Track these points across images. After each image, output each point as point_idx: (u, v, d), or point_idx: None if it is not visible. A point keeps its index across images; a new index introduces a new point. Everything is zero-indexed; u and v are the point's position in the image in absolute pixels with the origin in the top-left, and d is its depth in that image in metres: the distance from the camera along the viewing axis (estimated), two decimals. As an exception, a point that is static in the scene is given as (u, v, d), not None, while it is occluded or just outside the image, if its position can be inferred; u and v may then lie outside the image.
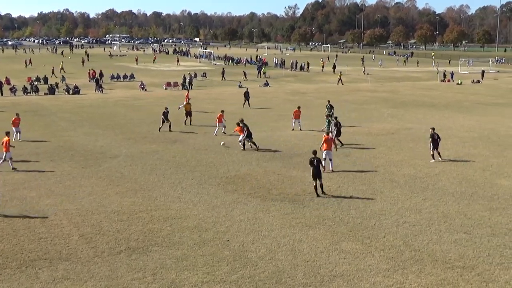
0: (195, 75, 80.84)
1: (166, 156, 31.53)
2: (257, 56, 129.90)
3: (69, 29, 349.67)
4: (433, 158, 30.34)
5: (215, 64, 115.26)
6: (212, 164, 29.52)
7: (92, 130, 39.64)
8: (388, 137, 37.38)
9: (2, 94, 62.30)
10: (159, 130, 38.43)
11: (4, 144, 27.98)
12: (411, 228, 20.04)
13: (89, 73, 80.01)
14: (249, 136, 32.88)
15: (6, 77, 72.74)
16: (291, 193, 24.26)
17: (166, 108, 39.22)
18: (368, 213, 21.63)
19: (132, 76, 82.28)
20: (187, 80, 71.45)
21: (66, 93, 63.61)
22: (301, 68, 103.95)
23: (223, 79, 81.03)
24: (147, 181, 26.26)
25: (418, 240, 18.88)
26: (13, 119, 35.85)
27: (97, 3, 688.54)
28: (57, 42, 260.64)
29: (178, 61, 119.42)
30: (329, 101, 43.40)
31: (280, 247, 18.22)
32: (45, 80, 73.72)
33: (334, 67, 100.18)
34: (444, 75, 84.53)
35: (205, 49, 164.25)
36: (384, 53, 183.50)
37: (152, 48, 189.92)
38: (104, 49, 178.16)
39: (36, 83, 69.35)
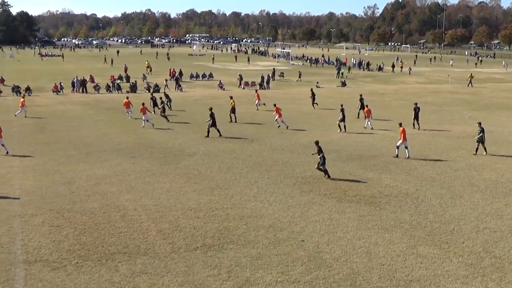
0: (273, 75, 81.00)
1: (243, 155, 31.81)
2: (321, 56, 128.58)
3: (151, 29, 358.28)
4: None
5: (293, 64, 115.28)
6: (288, 164, 29.57)
7: (172, 128, 40.39)
8: (468, 140, 36.30)
9: (86, 92, 64.50)
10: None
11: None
12: (491, 234, 19.44)
13: (169, 71, 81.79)
14: (214, 124, 37.08)
15: (91, 76, 75.34)
16: (368, 195, 23.99)
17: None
18: (446, 218, 21.13)
19: (210, 75, 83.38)
20: (265, 80, 71.77)
21: (147, 91, 65.08)
22: (379, 69, 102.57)
23: (299, 79, 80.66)
24: (224, 179, 26.57)
25: (499, 247, 18.29)
26: (141, 107, 40.94)
27: (178, 3, 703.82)
28: (139, 41, 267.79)
29: (248, 61, 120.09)
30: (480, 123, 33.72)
31: (355, 249, 18.06)
32: (127, 78, 75.82)
33: (393, 66, 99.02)
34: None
35: (283, 48, 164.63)
36: (466, 53, 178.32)
37: (231, 47, 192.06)
38: (157, 50, 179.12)
39: (118, 81, 71.48)
